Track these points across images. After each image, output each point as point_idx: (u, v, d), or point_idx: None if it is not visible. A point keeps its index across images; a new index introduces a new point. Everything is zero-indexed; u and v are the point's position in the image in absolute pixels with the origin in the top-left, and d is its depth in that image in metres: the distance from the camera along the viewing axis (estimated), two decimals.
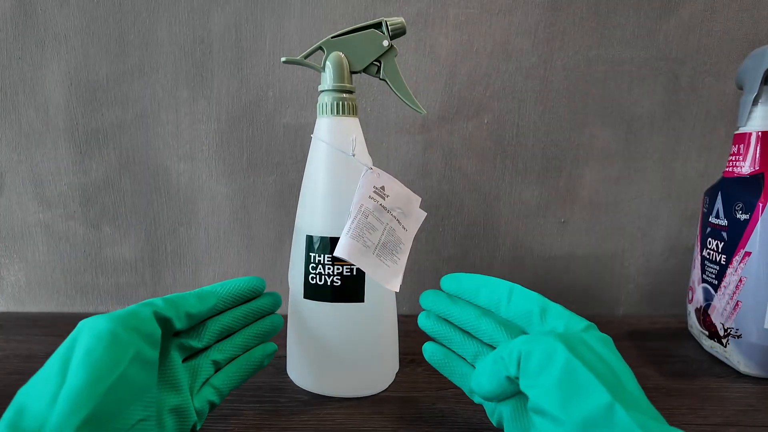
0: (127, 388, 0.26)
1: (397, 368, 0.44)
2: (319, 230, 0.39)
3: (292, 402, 0.40)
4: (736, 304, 0.44)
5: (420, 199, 0.40)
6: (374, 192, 0.37)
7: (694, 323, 0.51)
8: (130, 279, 0.63)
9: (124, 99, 0.58)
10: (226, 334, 0.35)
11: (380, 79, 0.40)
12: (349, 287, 0.38)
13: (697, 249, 0.50)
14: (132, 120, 0.59)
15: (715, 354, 0.48)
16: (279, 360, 0.45)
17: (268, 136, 0.60)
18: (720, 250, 0.45)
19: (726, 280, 0.45)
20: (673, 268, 0.64)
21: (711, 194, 0.48)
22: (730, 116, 0.60)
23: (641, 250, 0.64)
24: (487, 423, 0.37)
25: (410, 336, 0.51)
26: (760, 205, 0.42)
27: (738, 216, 0.43)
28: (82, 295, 0.63)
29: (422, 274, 0.63)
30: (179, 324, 0.31)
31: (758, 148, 0.44)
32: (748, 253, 0.43)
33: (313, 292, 0.39)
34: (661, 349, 0.51)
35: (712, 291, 0.47)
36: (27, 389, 0.25)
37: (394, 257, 0.38)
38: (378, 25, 0.39)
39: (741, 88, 0.46)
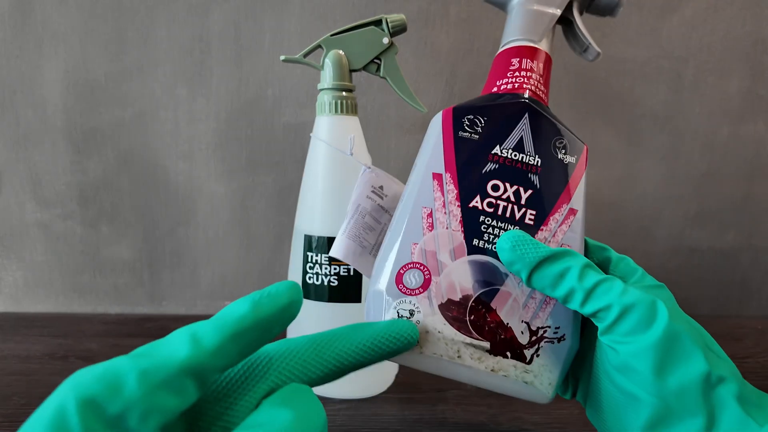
0: None
1: (397, 369, 0.44)
2: (317, 230, 0.38)
3: None
4: None
5: None
6: (372, 191, 0.37)
7: (436, 327, 0.27)
8: (128, 279, 0.63)
9: (122, 98, 0.58)
10: None
11: (380, 77, 0.39)
12: (346, 288, 0.38)
13: (438, 191, 0.28)
14: (130, 119, 0.59)
15: (489, 388, 0.27)
16: None
17: (268, 135, 0.59)
18: (523, 202, 0.28)
19: None
20: (675, 269, 0.63)
21: (489, 112, 0.29)
22: (734, 115, 0.59)
23: (643, 250, 0.63)
24: (487, 424, 0.37)
25: None
26: (586, 147, 0.30)
27: (560, 156, 0.29)
28: (80, 295, 0.63)
29: None
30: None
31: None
32: (573, 211, 0.28)
33: (310, 291, 0.39)
34: None
35: (501, 268, 0.27)
36: None
37: None
38: (378, 23, 0.39)
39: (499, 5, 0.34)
